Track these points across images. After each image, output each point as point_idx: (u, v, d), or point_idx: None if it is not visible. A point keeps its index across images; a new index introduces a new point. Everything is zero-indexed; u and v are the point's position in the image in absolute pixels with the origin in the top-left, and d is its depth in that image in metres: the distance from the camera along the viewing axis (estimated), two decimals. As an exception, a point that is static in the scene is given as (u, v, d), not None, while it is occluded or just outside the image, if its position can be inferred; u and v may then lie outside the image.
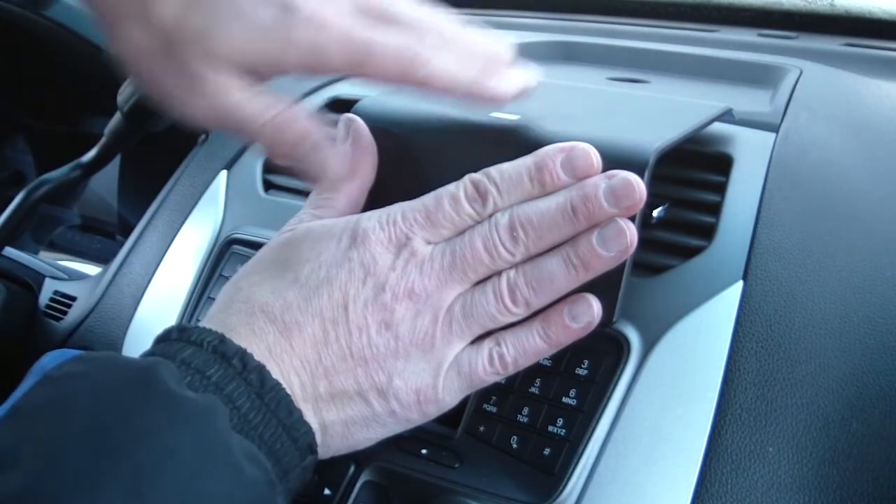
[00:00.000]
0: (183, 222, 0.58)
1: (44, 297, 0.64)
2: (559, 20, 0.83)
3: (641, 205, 0.37)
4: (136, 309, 0.56)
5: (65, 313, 0.62)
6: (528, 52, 0.71)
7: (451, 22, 0.40)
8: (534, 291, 0.38)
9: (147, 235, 0.60)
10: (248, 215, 0.54)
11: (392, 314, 0.37)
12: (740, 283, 0.42)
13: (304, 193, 0.54)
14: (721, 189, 0.46)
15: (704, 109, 0.46)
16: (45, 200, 0.62)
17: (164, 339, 0.36)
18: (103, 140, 0.63)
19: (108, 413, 0.30)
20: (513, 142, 0.40)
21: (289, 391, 0.35)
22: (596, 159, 0.38)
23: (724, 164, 0.47)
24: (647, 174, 0.38)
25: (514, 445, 0.41)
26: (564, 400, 0.41)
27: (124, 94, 0.60)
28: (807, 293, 0.42)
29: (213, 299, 0.45)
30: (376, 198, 0.43)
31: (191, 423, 0.31)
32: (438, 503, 0.40)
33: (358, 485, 0.42)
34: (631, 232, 0.37)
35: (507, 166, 0.38)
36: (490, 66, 0.39)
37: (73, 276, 0.67)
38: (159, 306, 0.55)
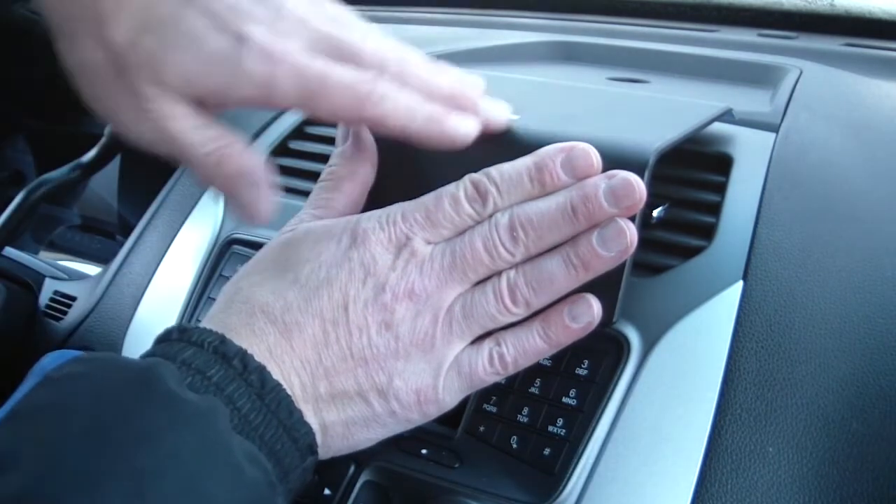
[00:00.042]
0: (183, 222, 0.58)
1: (44, 297, 0.64)
2: (559, 20, 0.83)
3: (641, 205, 0.37)
4: (136, 309, 0.56)
5: (65, 313, 0.62)
6: (528, 52, 0.71)
7: (416, 58, 0.39)
8: (534, 291, 0.38)
9: (147, 235, 0.60)
10: (248, 215, 0.54)
11: (392, 314, 0.37)
12: (740, 283, 0.42)
13: (304, 193, 0.54)
14: (721, 189, 0.46)
15: (704, 109, 0.46)
16: (45, 200, 0.62)
17: (165, 339, 0.36)
18: (103, 140, 0.63)
19: (109, 414, 0.30)
20: (513, 142, 0.40)
21: (289, 392, 0.35)
22: (596, 159, 0.38)
23: (724, 164, 0.47)
24: (647, 174, 0.38)
25: (514, 445, 0.41)
26: (564, 400, 0.41)
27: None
28: (807, 293, 0.42)
29: (213, 299, 0.45)
30: (376, 198, 0.43)
31: (191, 424, 0.31)
32: (438, 503, 0.40)
33: (358, 485, 0.42)
34: (631, 232, 0.37)
35: (507, 166, 0.38)
36: (452, 104, 0.39)
37: (73, 276, 0.67)
38: (159, 306, 0.55)
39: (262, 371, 0.35)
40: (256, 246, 0.49)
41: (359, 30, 0.38)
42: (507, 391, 0.42)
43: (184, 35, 0.35)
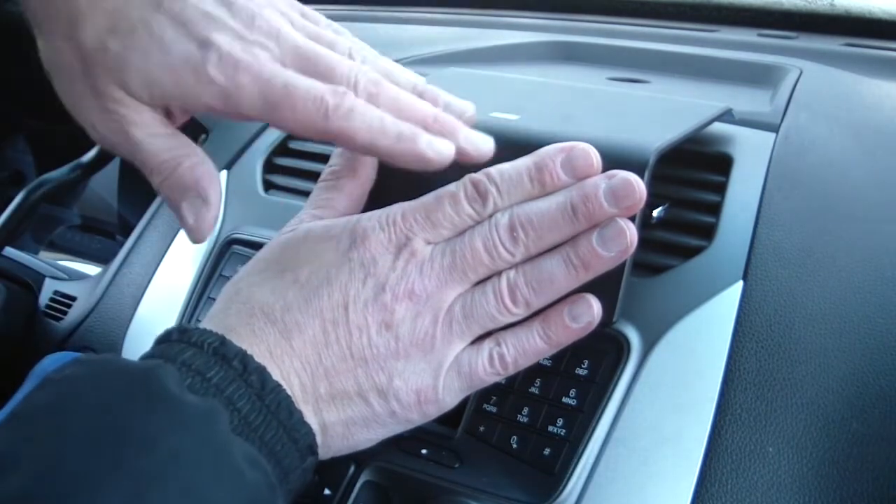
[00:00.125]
0: (183, 222, 0.58)
1: (44, 297, 0.64)
2: (559, 20, 0.83)
3: (641, 205, 0.37)
4: (136, 309, 0.56)
5: (65, 313, 0.62)
6: (528, 52, 0.71)
7: (397, 80, 0.38)
8: (534, 291, 0.38)
9: (147, 235, 0.60)
10: (248, 215, 0.54)
11: (392, 315, 0.37)
12: (740, 283, 0.42)
13: (304, 193, 0.54)
14: (721, 189, 0.46)
15: (704, 109, 0.46)
16: (45, 200, 0.62)
17: (165, 340, 0.36)
18: (103, 140, 0.63)
19: (109, 417, 0.30)
20: (513, 142, 0.40)
21: (289, 392, 0.35)
22: (596, 159, 0.38)
23: (724, 164, 0.47)
24: (647, 174, 0.38)
25: (514, 445, 0.41)
26: (564, 400, 0.41)
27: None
28: (807, 293, 0.42)
29: (213, 299, 0.45)
30: (376, 198, 0.43)
31: (191, 427, 0.31)
32: (438, 503, 0.40)
33: (358, 485, 0.42)
34: (631, 232, 0.37)
35: (507, 166, 0.38)
36: (432, 129, 0.38)
37: (73, 276, 0.67)
38: (159, 306, 0.55)
39: (262, 372, 0.35)
40: (256, 246, 0.49)
41: (339, 47, 0.38)
42: (507, 391, 0.42)
43: (150, 40, 0.35)
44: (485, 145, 0.39)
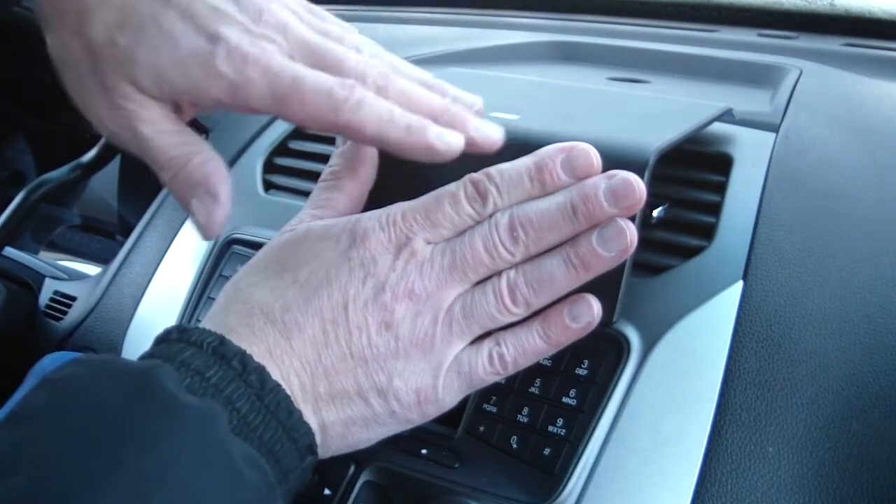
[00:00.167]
0: (183, 222, 0.58)
1: (44, 297, 0.64)
2: (559, 20, 0.83)
3: (641, 205, 0.37)
4: (136, 309, 0.56)
5: (65, 313, 0.62)
6: (528, 52, 0.71)
7: (406, 74, 0.38)
8: (534, 291, 0.38)
9: (147, 235, 0.60)
10: (248, 215, 0.54)
11: (392, 314, 0.37)
12: (740, 283, 0.42)
13: (304, 193, 0.54)
14: (721, 189, 0.46)
15: (704, 109, 0.46)
16: (45, 200, 0.62)
17: (164, 339, 0.36)
18: (103, 140, 0.63)
19: (108, 418, 0.30)
20: (513, 142, 0.40)
21: (289, 392, 0.35)
22: (596, 159, 0.38)
23: (724, 164, 0.47)
24: (647, 174, 0.38)
25: (514, 445, 0.41)
26: (564, 400, 0.41)
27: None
28: (807, 293, 0.42)
29: (213, 299, 0.45)
30: (376, 198, 0.43)
31: (190, 428, 0.31)
32: (438, 503, 0.40)
33: (358, 485, 0.42)
34: (631, 232, 0.37)
35: (507, 166, 0.38)
36: (442, 121, 0.38)
37: (73, 276, 0.67)
38: (159, 306, 0.55)
39: (261, 371, 0.35)
40: (256, 246, 0.49)
41: (347, 42, 0.38)
42: (507, 391, 0.42)
43: (158, 34, 0.35)
44: (495, 134, 0.39)
